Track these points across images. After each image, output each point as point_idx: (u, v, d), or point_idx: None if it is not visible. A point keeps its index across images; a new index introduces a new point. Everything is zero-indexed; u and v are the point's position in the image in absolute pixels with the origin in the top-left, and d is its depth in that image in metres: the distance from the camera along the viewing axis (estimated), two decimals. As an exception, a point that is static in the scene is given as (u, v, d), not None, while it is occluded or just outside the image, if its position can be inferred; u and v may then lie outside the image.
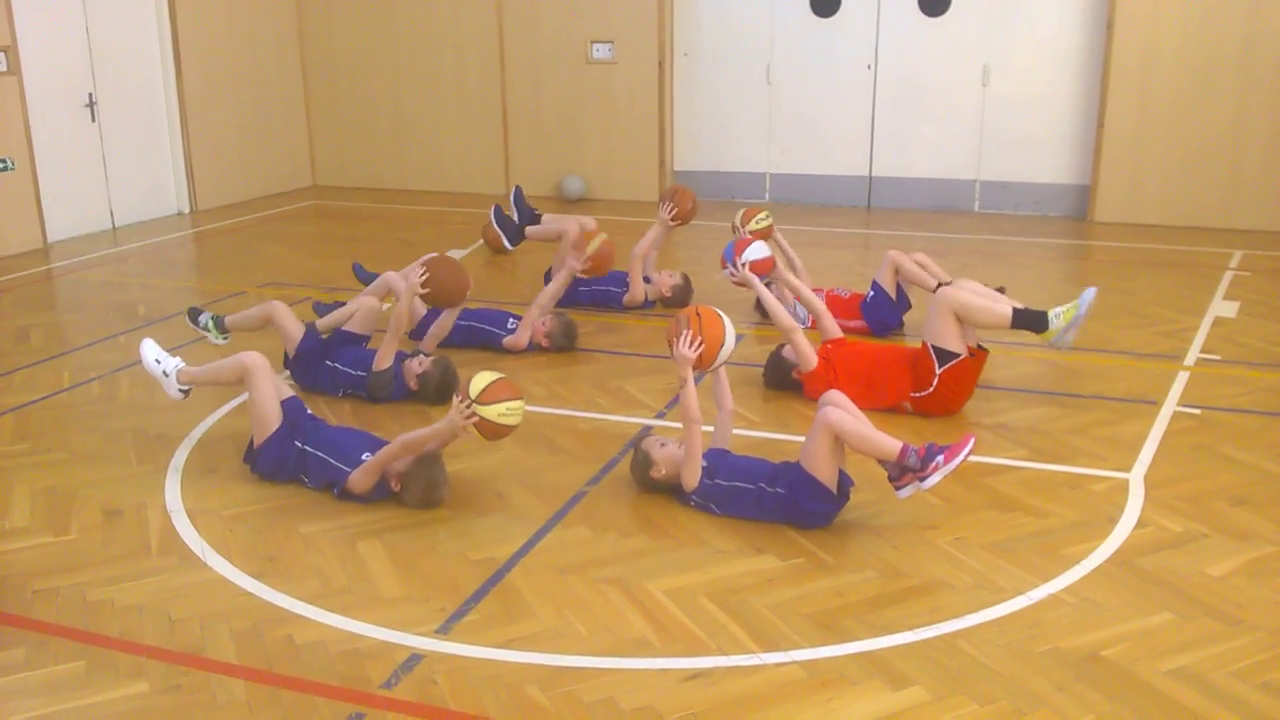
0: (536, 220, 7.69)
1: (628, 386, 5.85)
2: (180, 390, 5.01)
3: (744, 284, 5.91)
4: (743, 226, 6.84)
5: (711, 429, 4.62)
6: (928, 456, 3.99)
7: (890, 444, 4.06)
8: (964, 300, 5.25)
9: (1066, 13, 10.28)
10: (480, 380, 4.25)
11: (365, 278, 7.04)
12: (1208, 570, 3.90)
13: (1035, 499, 4.49)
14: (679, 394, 4.33)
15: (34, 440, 5.27)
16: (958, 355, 5.26)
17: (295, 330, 5.77)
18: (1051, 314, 5.26)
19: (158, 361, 5.03)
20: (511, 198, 7.86)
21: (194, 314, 6.15)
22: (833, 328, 5.79)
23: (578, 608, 3.71)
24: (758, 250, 5.89)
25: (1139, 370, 6.06)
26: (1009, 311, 5.25)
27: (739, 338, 4.48)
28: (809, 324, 6.67)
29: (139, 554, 4.13)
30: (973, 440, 4.04)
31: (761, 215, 6.96)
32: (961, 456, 3.98)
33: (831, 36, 11.00)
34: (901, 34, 10.79)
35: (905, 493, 4.06)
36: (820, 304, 5.90)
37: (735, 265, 5.87)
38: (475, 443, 5.10)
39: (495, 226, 7.75)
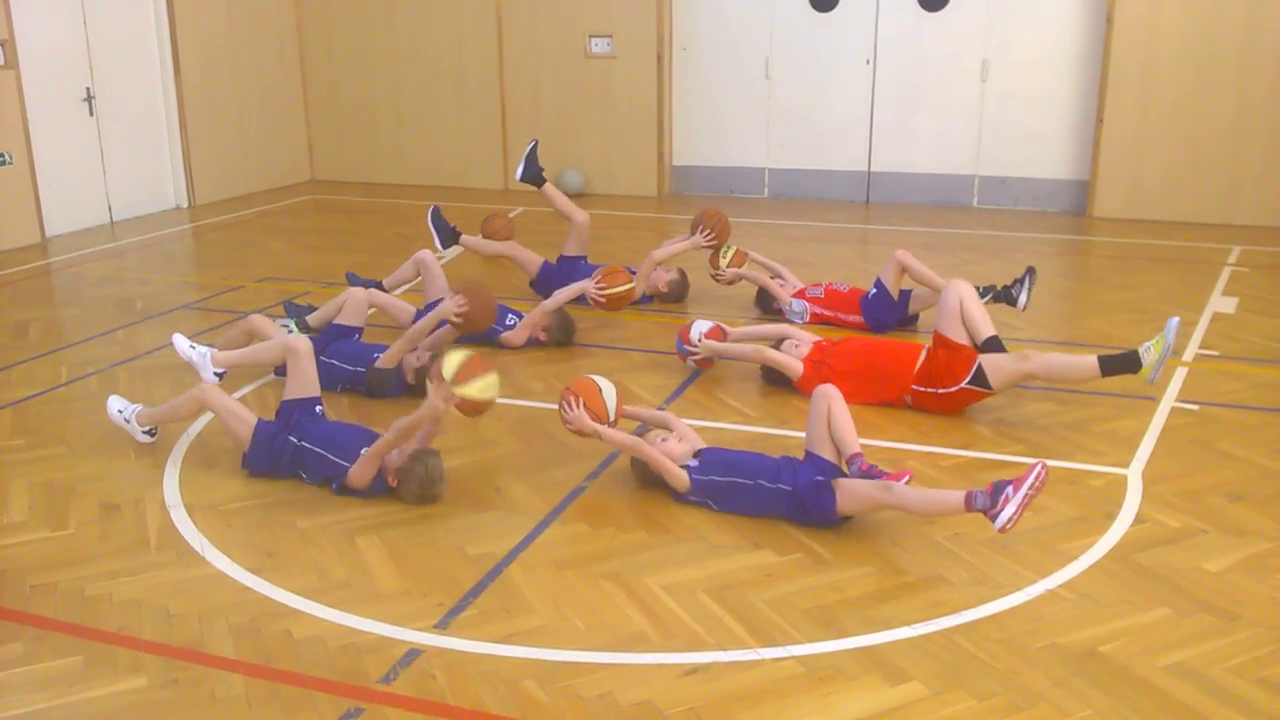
0: (456, 238, 7.46)
1: (626, 381, 5.84)
2: (145, 433, 5.03)
3: (709, 357, 5.87)
4: (722, 270, 7.18)
5: (706, 426, 4.65)
6: (996, 492, 3.75)
7: (953, 498, 3.88)
8: (1046, 361, 5.26)
9: (1066, 7, 10.27)
10: (453, 361, 4.31)
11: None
12: (1205, 566, 3.90)
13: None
14: (607, 440, 4.49)
15: (32, 435, 5.27)
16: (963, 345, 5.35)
17: (278, 335, 5.74)
18: (1142, 350, 5.08)
19: (120, 411, 5.06)
20: (429, 218, 7.60)
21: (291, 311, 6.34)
22: (792, 280, 6.51)
23: (576, 603, 3.72)
24: (702, 325, 5.93)
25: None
26: (1095, 363, 5.17)
27: (615, 386, 4.64)
28: (808, 318, 6.70)
29: (137, 549, 4.13)
30: (1040, 466, 3.74)
31: (725, 248, 7.21)
32: (1030, 482, 3.72)
33: (830, 31, 10.99)
34: (900, 29, 10.78)
35: (1002, 519, 3.71)
36: (777, 272, 6.67)
37: (693, 346, 5.87)
38: (472, 438, 5.13)
39: (430, 225, 7.66)
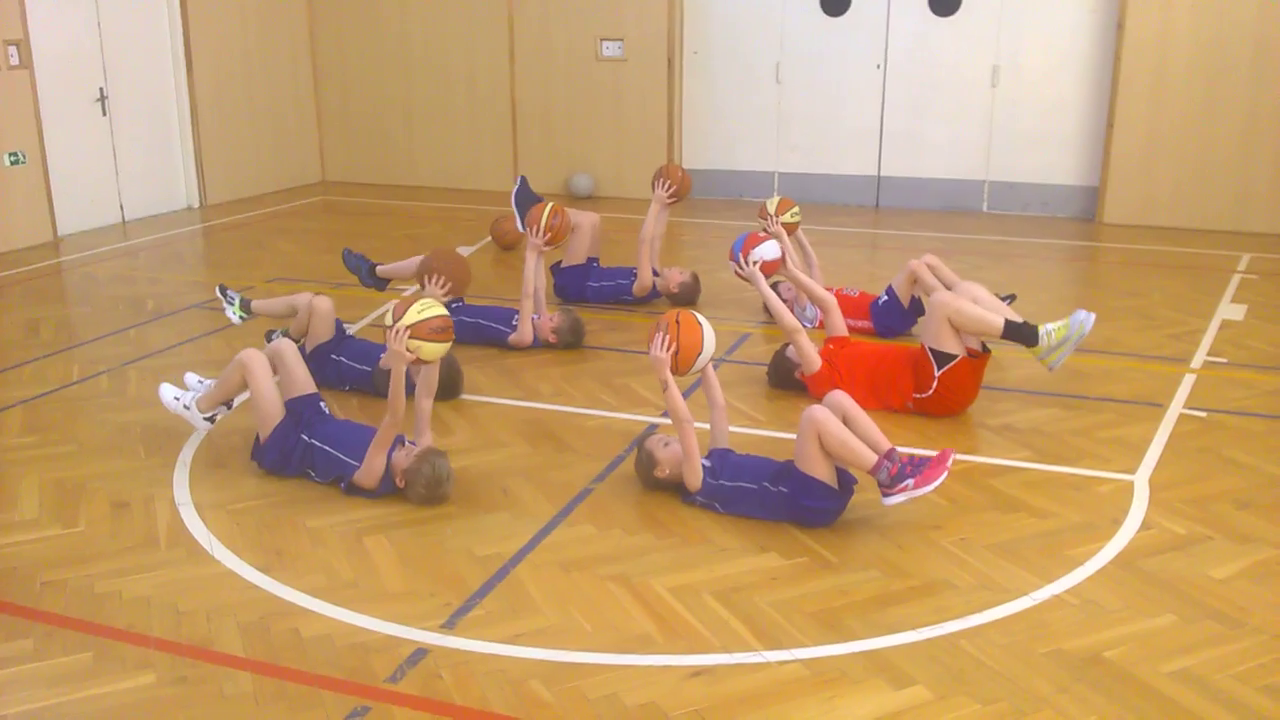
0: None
1: (634, 384, 5.86)
2: (205, 419, 4.99)
3: (748, 280, 5.91)
4: (776, 216, 6.71)
5: (707, 426, 4.65)
6: (899, 477, 4.06)
7: (867, 456, 4.11)
8: (958, 307, 5.25)
9: (1077, 14, 10.26)
10: (390, 313, 4.36)
11: (355, 265, 6.93)
12: (1211, 573, 3.90)
13: (1039, 500, 4.49)
14: (667, 397, 4.42)
15: (43, 433, 5.30)
16: (955, 356, 5.26)
17: (325, 331, 5.78)
18: (1042, 330, 5.23)
19: (177, 399, 5.04)
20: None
21: (222, 289, 6.19)
22: (840, 325, 5.81)
23: (582, 604, 3.73)
24: (769, 250, 5.89)
25: (1145, 372, 6.06)
26: (1000, 322, 5.22)
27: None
28: (817, 324, 6.67)
29: (147, 546, 4.16)
30: (944, 475, 4.10)
31: (795, 209, 6.87)
32: (933, 485, 4.09)
33: (841, 35, 11.00)
34: (911, 33, 10.78)
35: (891, 500, 4.14)
36: (832, 300, 5.87)
37: (741, 261, 5.88)
38: (480, 439, 5.15)
39: (512, 204, 7.66)
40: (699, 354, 4.43)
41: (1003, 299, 6.07)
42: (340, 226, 10.53)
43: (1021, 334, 5.24)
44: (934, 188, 11.03)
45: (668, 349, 4.39)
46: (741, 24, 11.27)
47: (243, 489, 4.64)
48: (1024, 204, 10.81)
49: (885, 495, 4.13)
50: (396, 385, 4.34)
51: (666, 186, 7.30)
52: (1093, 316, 5.28)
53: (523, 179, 7.75)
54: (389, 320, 4.34)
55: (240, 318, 6.05)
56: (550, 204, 6.58)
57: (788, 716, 3.14)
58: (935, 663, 3.37)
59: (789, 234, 6.71)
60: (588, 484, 4.68)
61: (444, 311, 4.40)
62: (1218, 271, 8.35)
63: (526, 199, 7.45)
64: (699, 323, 4.47)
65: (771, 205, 6.81)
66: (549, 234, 6.47)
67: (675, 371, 4.43)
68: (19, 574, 3.96)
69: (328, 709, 3.17)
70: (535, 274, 6.47)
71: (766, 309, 7.09)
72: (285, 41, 12.21)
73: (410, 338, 4.29)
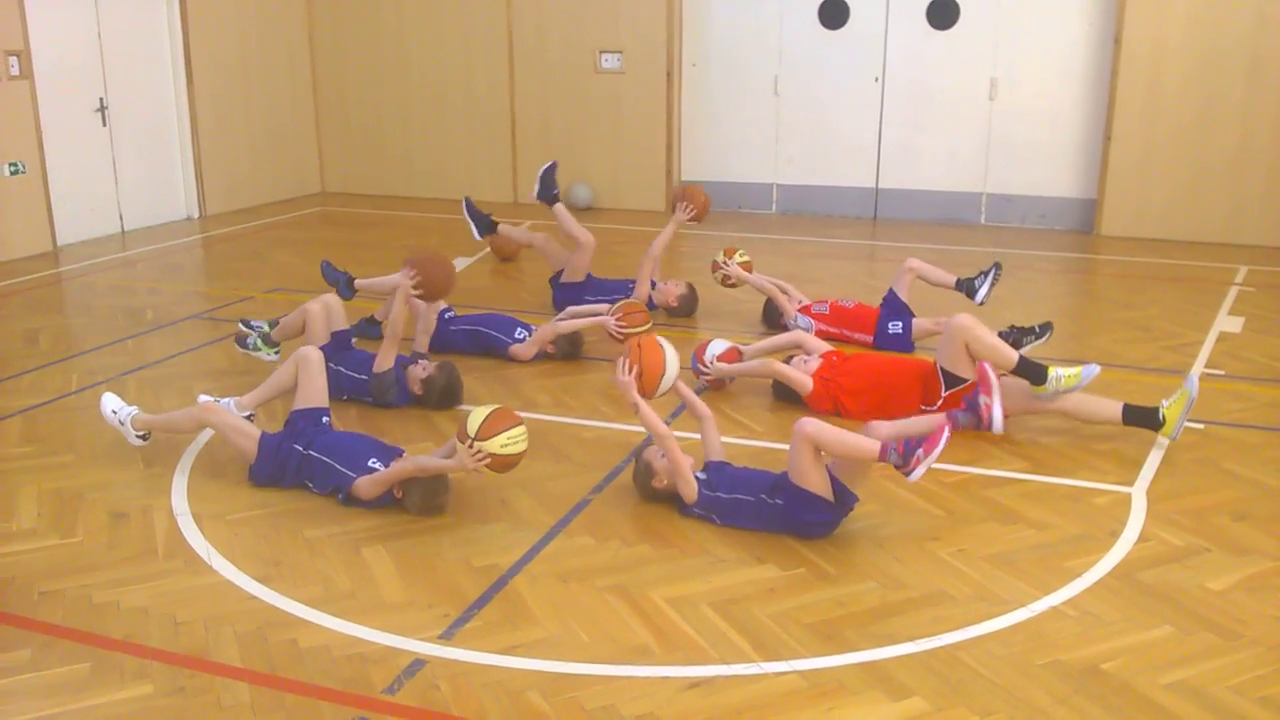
0: (493, 228, 7.60)
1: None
2: (138, 437, 5.01)
3: (719, 378, 5.90)
4: (727, 261, 7.09)
5: (698, 436, 4.68)
6: (907, 453, 4.04)
7: (869, 445, 4.10)
8: (977, 335, 5.26)
9: (1074, 27, 10.30)
10: (476, 417, 4.21)
11: (334, 278, 6.97)
12: (1208, 585, 3.91)
13: (1037, 512, 4.50)
14: (641, 418, 4.49)
15: (41, 443, 5.30)
16: (965, 380, 5.30)
17: (322, 335, 5.81)
18: (1053, 374, 5.16)
19: (115, 412, 5.05)
20: (464, 209, 7.75)
21: (240, 340, 6.18)
22: (797, 295, 6.38)
23: (580, 615, 3.73)
24: (717, 346, 5.94)
25: (1143, 384, 6.07)
26: (1015, 357, 5.22)
27: (689, 366, 4.61)
28: (814, 331, 6.68)
29: (145, 557, 4.16)
30: (948, 430, 4.08)
31: (740, 251, 7.21)
32: (940, 447, 4.03)
33: (839, 48, 11.04)
34: (909, 46, 10.82)
35: (916, 474, 4.04)
36: (775, 286, 6.51)
37: (705, 368, 5.89)
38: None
39: (465, 216, 7.71)
40: (662, 374, 4.52)
41: (1037, 330, 6.12)
42: (339, 237, 10.55)
43: (1032, 372, 5.19)
44: (931, 200, 11.06)
45: (630, 373, 4.47)
46: (740, 37, 11.31)
47: (241, 499, 4.64)
48: (1021, 216, 10.83)
49: (909, 473, 4.02)
50: (440, 468, 4.35)
51: (688, 210, 7.31)
52: (1098, 369, 5.23)
53: (467, 199, 7.87)
54: (470, 428, 4.19)
55: (273, 354, 6.08)
56: (648, 325, 6.35)
57: (785, 728, 3.14)
58: (933, 674, 3.38)
59: (748, 271, 7.11)
60: (586, 495, 4.68)
61: (524, 449, 4.29)
62: (1215, 284, 8.37)
63: (476, 216, 7.65)
64: (660, 345, 4.57)
65: (719, 256, 7.18)
66: (624, 339, 6.20)
67: (643, 394, 4.50)
68: (17, 584, 3.96)
69: (325, 720, 3.18)
70: (576, 327, 6.45)
71: (765, 321, 7.16)
72: (285, 53, 12.24)
73: (483, 460, 4.19)
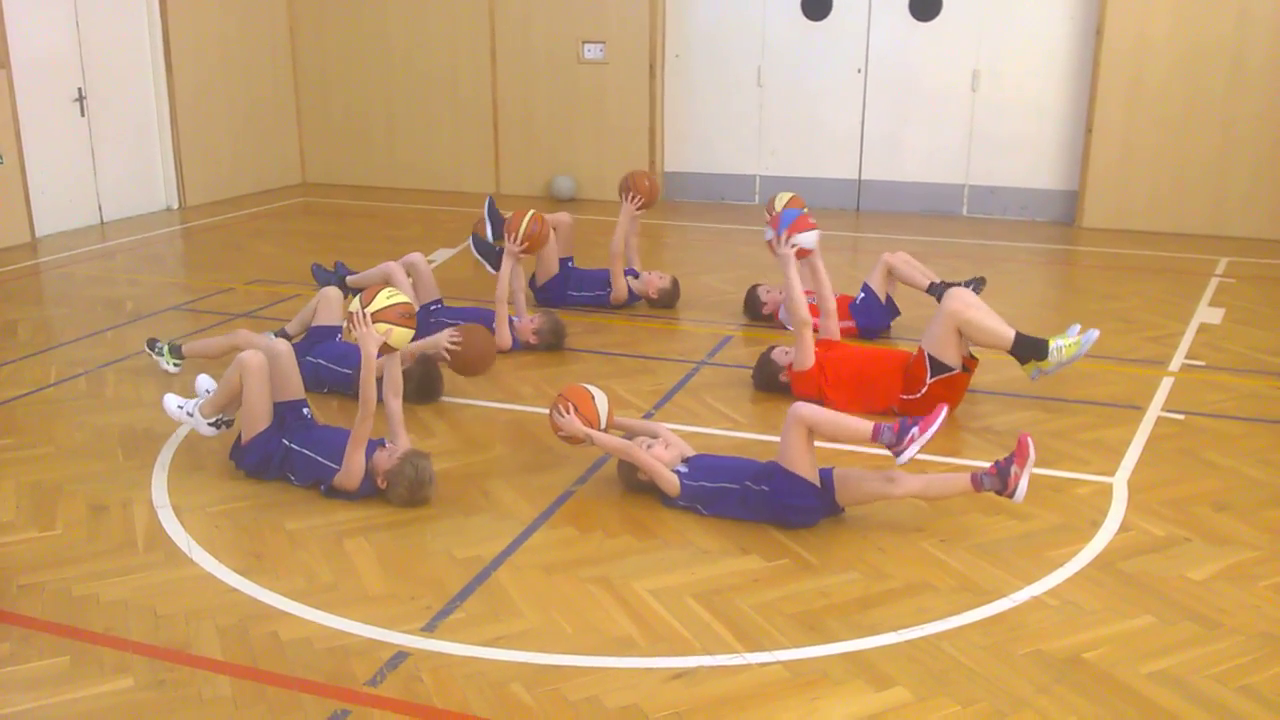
0: (344, 281, 7.06)
1: (616, 386, 5.85)
2: (210, 425, 4.93)
3: (780, 259, 5.68)
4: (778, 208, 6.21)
5: (689, 428, 4.70)
6: (902, 432, 4.08)
7: (862, 427, 4.14)
8: (969, 318, 5.23)
9: (1056, 18, 10.32)
10: (354, 301, 4.40)
11: (324, 279, 7.05)
12: (1189, 574, 3.93)
13: (1019, 502, 4.50)
14: (599, 444, 4.56)
15: (20, 435, 5.26)
16: (952, 369, 5.28)
17: (263, 342, 5.73)
18: (1053, 345, 5.20)
19: (180, 407, 5.01)
20: (485, 208, 7.75)
21: (151, 343, 6.11)
22: (835, 330, 5.85)
23: (563, 607, 3.73)
24: (810, 239, 5.72)
25: (1124, 375, 6.09)
26: (1011, 335, 5.24)
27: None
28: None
29: (125, 549, 4.13)
30: (945, 409, 4.13)
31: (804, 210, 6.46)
32: (936, 426, 4.08)
33: (822, 39, 11.03)
34: (892, 38, 10.82)
35: (906, 455, 4.11)
36: (833, 304, 5.87)
37: (781, 240, 5.67)
38: (461, 441, 5.14)
39: (485, 215, 7.67)
40: (594, 399, 4.60)
41: (971, 283, 6.13)
42: (320, 228, 10.50)
43: (1034, 349, 5.21)
44: (914, 191, 11.07)
45: (568, 413, 4.54)
46: (723, 28, 11.29)
47: (222, 491, 4.62)
48: (1003, 208, 10.86)
49: (899, 453, 4.09)
50: (366, 377, 4.33)
51: (634, 199, 7.23)
52: (1098, 332, 5.26)
53: (490, 199, 7.82)
54: (354, 306, 4.37)
55: (174, 365, 6.00)
56: (531, 211, 6.56)
57: (769, 718, 3.14)
58: (916, 664, 3.38)
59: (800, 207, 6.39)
60: (569, 486, 4.67)
61: (409, 298, 4.48)
62: (1196, 275, 8.41)
63: (496, 219, 7.56)
64: (578, 386, 4.70)
65: (780, 202, 6.20)
66: (526, 242, 6.46)
67: (590, 425, 4.56)
68: (-5, 577, 3.94)
69: (307, 712, 3.16)
70: (513, 278, 6.47)
71: (747, 312, 7.14)
72: (265, 42, 12.15)
73: (378, 321, 4.32)
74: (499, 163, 12.02)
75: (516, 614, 3.68)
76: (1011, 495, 4.13)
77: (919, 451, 4.12)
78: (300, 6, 12.39)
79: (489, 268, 7.44)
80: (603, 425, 4.59)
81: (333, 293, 6.03)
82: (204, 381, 5.30)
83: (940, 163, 10.95)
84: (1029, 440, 4.17)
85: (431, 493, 4.45)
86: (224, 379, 4.85)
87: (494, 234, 7.52)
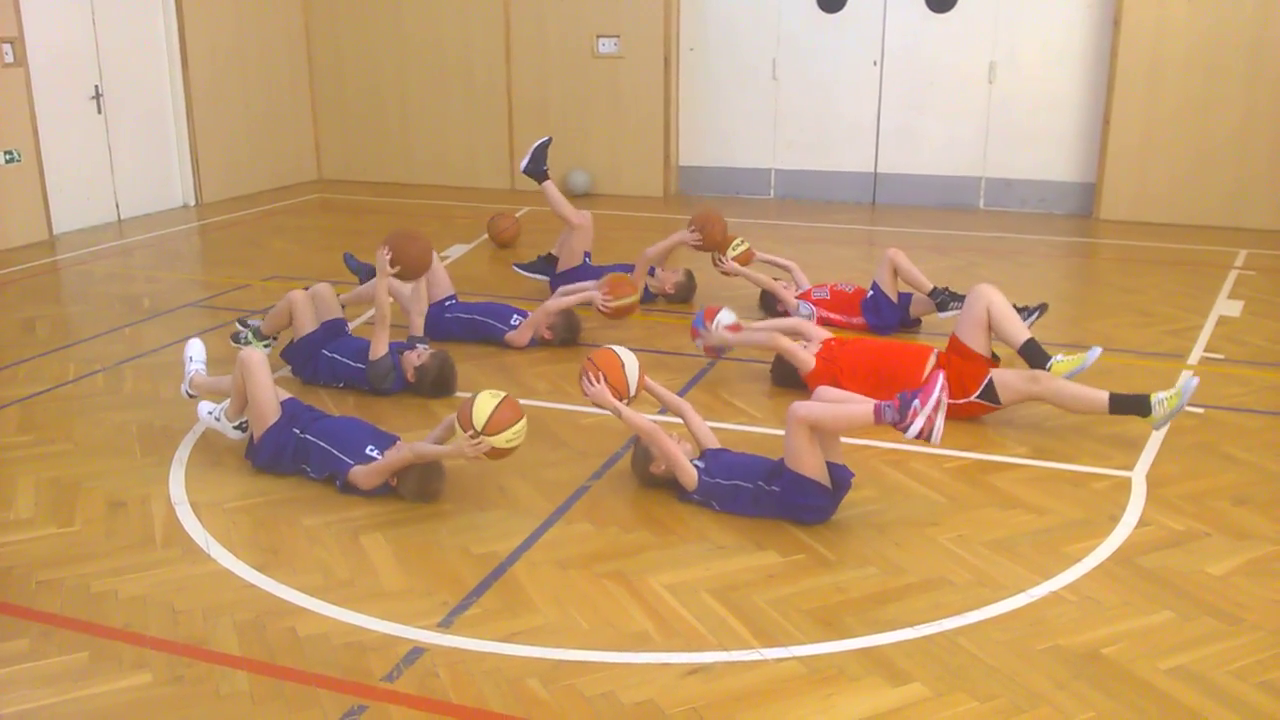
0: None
1: (631, 382, 5.84)
2: (235, 428, 4.98)
3: (718, 347, 5.94)
4: (725, 258, 7.05)
5: (686, 427, 4.67)
6: (904, 406, 3.95)
7: (863, 411, 4.05)
8: (995, 301, 5.32)
9: (1074, 10, 10.27)
10: (483, 408, 4.20)
11: (356, 266, 7.08)
12: (1208, 569, 3.90)
13: (1037, 497, 4.49)
14: (625, 420, 4.48)
15: (39, 432, 5.29)
16: (979, 355, 5.33)
17: (309, 323, 5.79)
18: (1154, 399, 4.93)
19: (210, 413, 5.07)
20: (540, 144, 7.64)
21: (235, 337, 6.20)
22: (802, 280, 6.53)
23: (579, 602, 3.72)
24: (727, 315, 5.93)
25: (1143, 368, 6.06)
26: (1024, 337, 5.31)
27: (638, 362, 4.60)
28: (815, 319, 6.66)
29: (143, 546, 4.15)
30: (941, 376, 3.97)
31: (737, 241, 7.11)
32: (936, 394, 3.93)
33: (838, 32, 10.99)
34: (908, 30, 10.78)
35: (914, 428, 3.92)
36: (788, 268, 6.59)
37: (710, 331, 5.89)
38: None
39: (532, 151, 7.62)
40: (624, 367, 4.51)
41: (1032, 310, 6.02)
42: (336, 224, 10.52)
43: (1134, 407, 4.96)
44: (931, 184, 11.03)
45: (598, 383, 4.47)
46: (738, 21, 11.26)
47: (239, 487, 4.63)
48: (1021, 200, 10.81)
49: (906, 428, 3.92)
50: (438, 455, 4.37)
51: (694, 234, 7.09)
52: (1197, 380, 4.92)
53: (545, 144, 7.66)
54: (476, 420, 4.18)
55: (264, 346, 6.05)
56: (636, 299, 6.44)
57: (785, 714, 3.13)
58: (933, 660, 3.37)
59: (746, 264, 7.07)
60: (585, 481, 4.67)
61: (502, 396, 4.28)
62: (1215, 267, 8.35)
63: (540, 158, 7.50)
64: (610, 350, 4.60)
65: (732, 252, 7.10)
66: (611, 312, 6.36)
67: (618, 396, 4.49)
68: (15, 573, 3.95)
69: (324, 708, 3.17)
70: (567, 306, 6.45)
71: (765, 307, 7.14)
72: (281, 38, 12.19)
73: (483, 451, 4.23)
74: (514, 157, 12.01)
75: (532, 610, 3.68)
76: (906, 430, 3.90)
77: (932, 421, 3.90)
78: (315, 3, 12.42)
79: (525, 164, 7.55)
80: (633, 392, 4.54)
81: (322, 289, 5.98)
82: (193, 349, 5.36)
83: (957, 155, 10.90)
84: (939, 376, 3.94)
85: (441, 487, 4.46)
86: (232, 383, 4.89)
87: (531, 165, 7.47)
